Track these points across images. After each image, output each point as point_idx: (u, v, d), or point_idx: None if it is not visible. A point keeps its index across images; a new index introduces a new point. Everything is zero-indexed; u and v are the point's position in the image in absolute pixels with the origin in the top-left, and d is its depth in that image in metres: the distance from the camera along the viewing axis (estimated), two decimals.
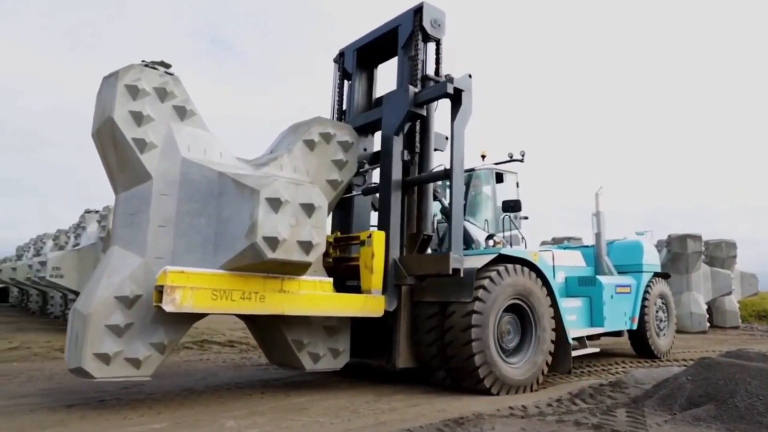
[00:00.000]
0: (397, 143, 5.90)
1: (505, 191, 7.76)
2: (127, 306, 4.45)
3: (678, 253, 15.76)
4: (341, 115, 7.15)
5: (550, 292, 6.27)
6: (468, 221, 7.27)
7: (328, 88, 7.36)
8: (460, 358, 5.39)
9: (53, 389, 5.47)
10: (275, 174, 5.32)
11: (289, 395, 5.34)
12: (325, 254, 6.04)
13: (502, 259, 5.85)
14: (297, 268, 4.72)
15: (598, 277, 8.04)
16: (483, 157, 7.93)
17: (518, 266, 5.89)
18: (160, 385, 5.70)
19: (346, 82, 7.28)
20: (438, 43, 6.46)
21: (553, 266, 7.48)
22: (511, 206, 6.73)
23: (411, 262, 5.61)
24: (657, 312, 8.94)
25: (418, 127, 6.15)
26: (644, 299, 8.63)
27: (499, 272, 5.64)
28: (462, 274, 5.27)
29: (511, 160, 8.01)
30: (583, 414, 4.28)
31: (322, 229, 4.74)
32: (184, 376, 6.40)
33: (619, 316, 8.14)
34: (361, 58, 7.19)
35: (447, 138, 6.84)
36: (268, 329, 5.54)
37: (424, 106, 6.04)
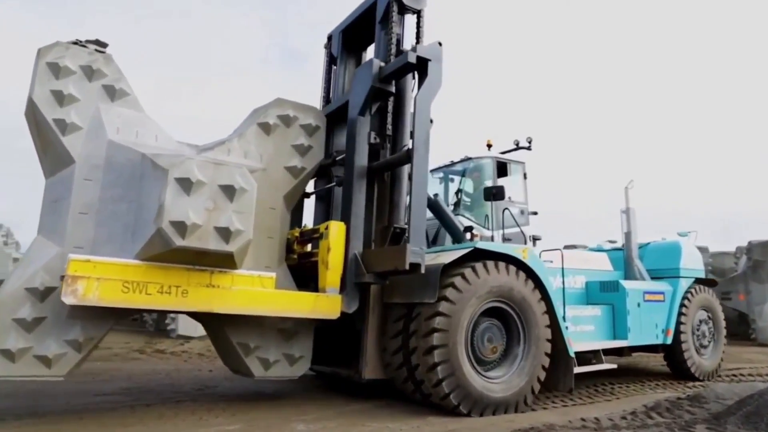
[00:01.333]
0: (363, 124, 5.25)
1: (511, 184, 6.88)
2: (39, 299, 4.07)
3: (760, 261, 13.79)
4: (328, 102, 6.60)
5: (546, 296, 5.34)
6: (464, 216, 6.46)
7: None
8: (423, 368, 4.61)
9: (132, 389, 5.73)
10: (220, 159, 4.85)
11: (356, 399, 5.32)
12: (290, 250, 5.50)
13: (482, 255, 5.02)
14: (219, 259, 4.17)
15: (621, 282, 6.92)
16: (489, 146, 7.10)
17: (501, 264, 5.03)
18: (234, 387, 5.96)
19: (333, 67, 6.74)
20: (419, 14, 5.77)
21: (563, 268, 6.47)
22: (493, 193, 5.87)
23: (370, 257, 4.91)
24: (699, 325, 7.61)
25: (391, 107, 5.48)
26: (681, 309, 7.37)
27: (474, 269, 4.82)
28: (423, 271, 4.50)
29: (517, 148, 7.12)
30: (659, 429, 4.12)
31: (247, 214, 4.17)
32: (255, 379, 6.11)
33: (648, 328, 6.96)
34: (346, 40, 6.62)
35: (431, 121, 6.12)
36: (215, 331, 5.03)
37: (393, 82, 5.35)
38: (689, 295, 7.50)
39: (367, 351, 5.04)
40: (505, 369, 5.01)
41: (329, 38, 6.78)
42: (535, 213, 6.94)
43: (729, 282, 13.80)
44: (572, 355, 5.44)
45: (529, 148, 7.10)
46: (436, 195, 6.03)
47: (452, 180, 7.07)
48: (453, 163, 7.01)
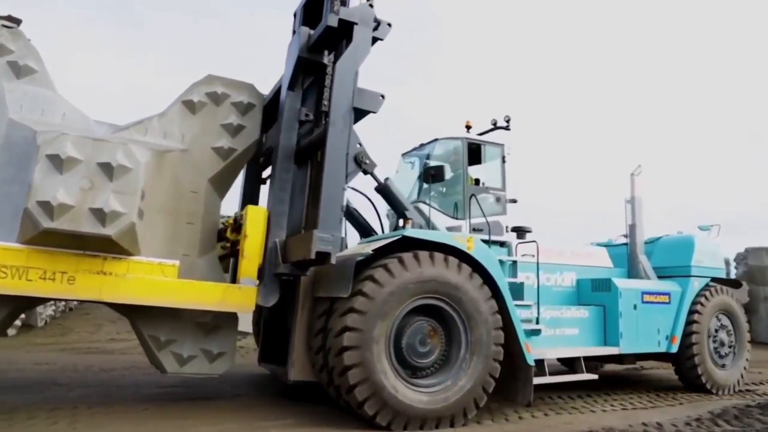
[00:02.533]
0: (291, 100, 4.78)
1: (488, 168, 6.18)
2: None
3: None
4: None
5: (498, 294, 4.65)
6: (427, 204, 5.83)
7: None
8: (336, 370, 4.08)
9: (186, 381, 5.74)
10: (136, 139, 4.54)
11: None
12: (222, 238, 5.13)
13: (414, 245, 4.40)
14: (100, 244, 3.83)
15: (614, 280, 6.03)
16: (468, 128, 6.42)
17: (439, 255, 4.39)
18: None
19: None
20: None
21: (537, 263, 5.69)
22: (432, 174, 5.19)
23: (288, 245, 4.43)
24: (716, 332, 6.55)
25: (329, 81, 4.96)
26: (692, 313, 6.36)
27: (402, 260, 4.23)
28: (334, 261, 3.97)
29: (494, 128, 6.38)
30: None
31: (130, 195, 3.80)
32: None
33: (647, 334, 6.04)
34: (307, 16, 6.16)
35: (382, 96, 5.54)
36: (132, 322, 4.73)
37: (325, 52, 4.83)
38: (703, 298, 6.47)
39: (295, 350, 4.58)
40: (442, 377, 4.37)
41: (294, 16, 6.34)
42: (514, 201, 6.19)
43: None
44: (530, 363, 4.70)
45: (507, 128, 6.34)
46: (387, 179, 5.44)
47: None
48: (422, 146, 6.38)
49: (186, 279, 4.34)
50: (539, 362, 5.18)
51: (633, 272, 6.77)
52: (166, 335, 4.48)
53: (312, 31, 4.74)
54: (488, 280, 4.64)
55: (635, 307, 6.01)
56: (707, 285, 6.61)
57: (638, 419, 4.66)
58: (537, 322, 5.47)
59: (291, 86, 4.79)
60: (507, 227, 5.99)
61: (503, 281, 4.67)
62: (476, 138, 6.15)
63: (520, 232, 6.89)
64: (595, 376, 5.41)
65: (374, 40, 4.55)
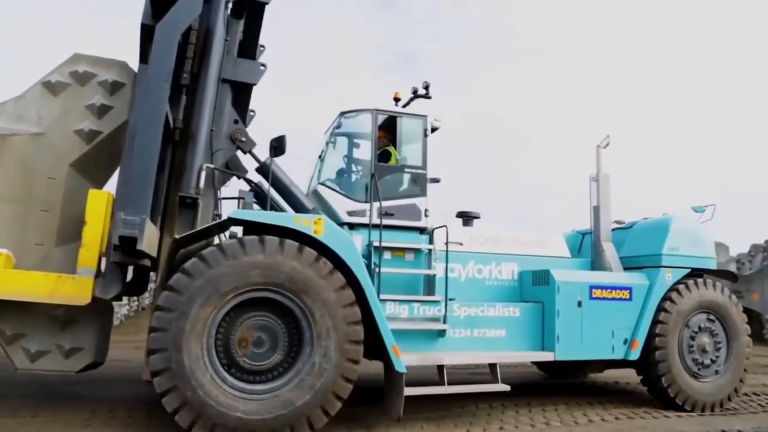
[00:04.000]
0: (141, 72, 4.36)
1: (406, 143, 5.44)
2: None
3: None
4: None
5: (357, 284, 3.96)
6: (327, 186, 5.21)
7: None
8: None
9: None
10: None
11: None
12: None
13: (264, 230, 3.83)
14: None
15: (553, 272, 5.08)
16: (396, 99, 5.69)
17: (271, 240, 3.78)
18: None
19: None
20: None
21: (446, 251, 4.88)
22: (274, 147, 4.51)
23: None
24: (692, 336, 5.37)
25: (192, 52, 4.50)
26: (660, 311, 5.24)
27: (222, 248, 3.67)
28: (141, 246, 3.51)
29: (415, 97, 5.59)
30: None
31: None
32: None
33: (596, 337, 5.04)
34: None
35: (263, 66, 4.98)
36: None
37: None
38: (676, 293, 5.31)
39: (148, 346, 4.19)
40: (283, 381, 3.77)
41: None
42: (436, 180, 5.38)
43: (742, 280, 12.22)
44: (399, 369, 3.97)
45: (427, 96, 5.51)
46: (269, 159, 4.87)
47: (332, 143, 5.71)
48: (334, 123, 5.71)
49: (20, 269, 4.08)
50: (440, 369, 4.44)
51: (596, 263, 5.73)
52: (14, 329, 4.24)
53: None
54: (343, 267, 3.95)
55: (579, 304, 5.03)
56: (684, 277, 5.43)
57: (717, 426, 4.53)
58: (444, 321, 4.70)
59: (142, 58, 4.37)
60: (426, 210, 5.21)
61: (361, 270, 3.96)
62: (389, 109, 5.39)
63: (467, 217, 6.07)
64: (503, 387, 4.52)
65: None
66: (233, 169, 4.93)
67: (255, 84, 4.90)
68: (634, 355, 5.13)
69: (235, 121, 4.83)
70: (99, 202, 4.17)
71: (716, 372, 5.42)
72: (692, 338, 5.36)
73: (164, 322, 3.51)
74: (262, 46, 5.56)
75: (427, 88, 5.48)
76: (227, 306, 3.68)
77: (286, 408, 3.66)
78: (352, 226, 4.98)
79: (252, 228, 3.94)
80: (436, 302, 4.75)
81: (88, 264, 4.11)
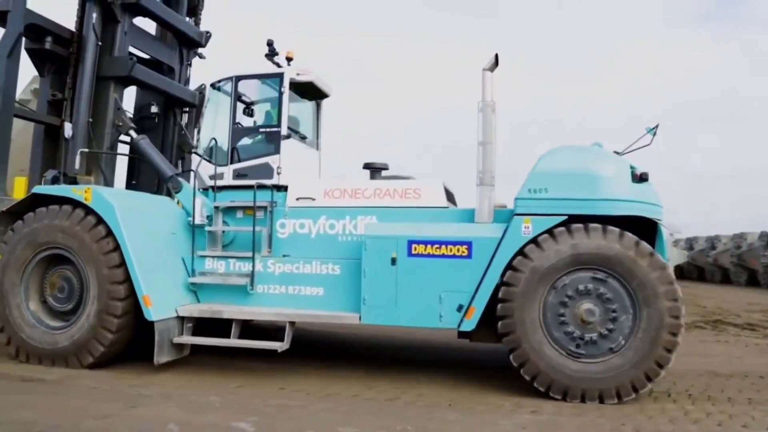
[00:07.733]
0: None
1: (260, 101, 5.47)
2: None
3: None
4: None
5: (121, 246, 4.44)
6: (198, 154, 5.63)
7: None
8: None
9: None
10: None
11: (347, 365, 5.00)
12: None
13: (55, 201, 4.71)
14: None
15: (364, 224, 4.39)
16: (289, 60, 5.72)
17: (53, 208, 4.65)
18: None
19: None
20: None
21: (271, 210, 4.81)
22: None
23: None
24: (563, 302, 3.82)
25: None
26: (507, 271, 3.93)
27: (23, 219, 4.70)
28: None
29: (272, 54, 5.42)
30: None
31: None
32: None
33: (417, 301, 4.19)
34: None
35: (132, 58, 5.74)
36: None
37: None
38: (533, 246, 3.88)
39: None
40: (72, 320, 4.62)
41: None
42: (288, 136, 5.19)
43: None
44: (149, 318, 4.28)
45: (273, 54, 5.25)
46: (140, 137, 5.56)
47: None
48: None
49: None
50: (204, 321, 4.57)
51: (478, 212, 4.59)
52: None
53: None
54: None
55: (393, 261, 4.24)
56: (555, 226, 3.89)
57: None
58: (252, 278, 4.71)
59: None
60: (278, 168, 5.15)
61: (117, 227, 4.41)
62: (247, 73, 5.42)
63: (374, 169, 5.65)
64: (277, 345, 4.24)
65: None
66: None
67: (126, 75, 5.77)
68: (470, 324, 4.04)
69: (118, 109, 5.78)
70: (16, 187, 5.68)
71: (610, 350, 3.78)
72: (563, 305, 3.85)
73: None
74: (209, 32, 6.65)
75: (270, 44, 5.32)
76: (31, 262, 4.71)
77: (72, 339, 4.52)
78: (219, 189, 5.35)
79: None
80: (246, 258, 4.78)
81: None
